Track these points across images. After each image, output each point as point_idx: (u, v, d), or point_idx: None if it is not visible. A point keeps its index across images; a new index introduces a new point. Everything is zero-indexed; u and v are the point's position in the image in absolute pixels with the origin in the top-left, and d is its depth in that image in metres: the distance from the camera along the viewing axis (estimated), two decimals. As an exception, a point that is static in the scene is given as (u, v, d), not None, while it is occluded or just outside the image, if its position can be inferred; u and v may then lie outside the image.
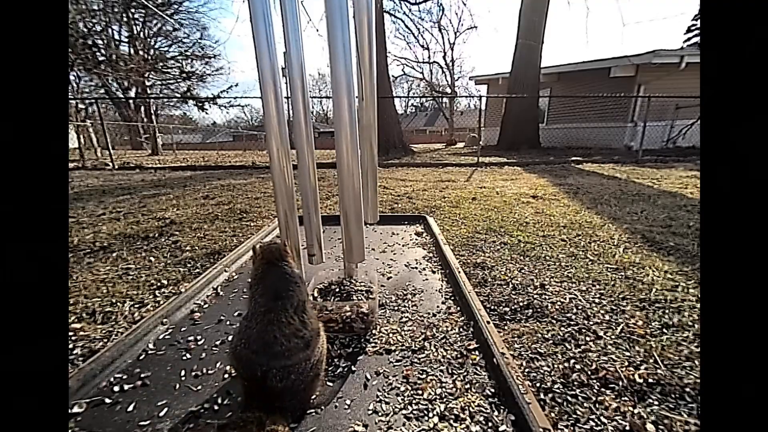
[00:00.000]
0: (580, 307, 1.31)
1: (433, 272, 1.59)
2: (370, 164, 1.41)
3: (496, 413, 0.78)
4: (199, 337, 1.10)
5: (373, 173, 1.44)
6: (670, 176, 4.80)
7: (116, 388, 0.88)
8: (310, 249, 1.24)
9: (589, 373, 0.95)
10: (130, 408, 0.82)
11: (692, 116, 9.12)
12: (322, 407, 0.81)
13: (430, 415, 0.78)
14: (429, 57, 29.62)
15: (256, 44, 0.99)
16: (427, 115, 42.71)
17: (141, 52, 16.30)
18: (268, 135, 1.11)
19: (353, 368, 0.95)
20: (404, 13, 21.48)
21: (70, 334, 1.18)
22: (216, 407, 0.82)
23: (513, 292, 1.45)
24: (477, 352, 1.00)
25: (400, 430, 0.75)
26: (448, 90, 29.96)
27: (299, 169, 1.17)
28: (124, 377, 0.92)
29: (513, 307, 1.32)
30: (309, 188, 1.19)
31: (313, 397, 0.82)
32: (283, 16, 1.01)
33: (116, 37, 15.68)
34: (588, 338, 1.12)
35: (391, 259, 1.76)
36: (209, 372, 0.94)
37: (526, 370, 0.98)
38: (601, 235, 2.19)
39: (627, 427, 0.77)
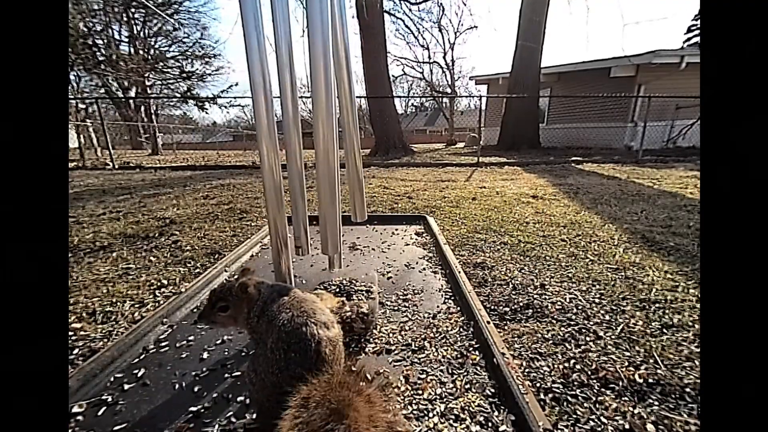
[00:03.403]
0: (580, 307, 1.31)
1: (433, 272, 1.59)
2: (354, 167, 1.50)
3: (496, 413, 0.78)
4: (199, 337, 1.10)
5: (358, 176, 1.52)
6: (670, 176, 4.80)
7: (116, 388, 0.88)
8: (297, 242, 1.27)
9: (589, 373, 0.95)
10: (130, 408, 0.82)
11: (692, 116, 9.13)
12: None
13: (430, 415, 0.78)
14: (429, 57, 29.61)
15: (247, 46, 1.01)
16: (427, 115, 42.68)
17: (141, 52, 16.30)
18: (258, 135, 1.14)
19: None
20: (404, 13, 21.48)
21: (70, 334, 1.18)
22: (216, 407, 0.82)
23: (513, 292, 1.45)
24: (477, 352, 1.00)
25: (400, 430, 0.75)
26: (448, 90, 29.93)
27: (288, 167, 1.21)
28: (124, 377, 0.93)
29: (513, 307, 1.32)
30: (297, 184, 1.24)
31: None
32: (274, 19, 1.03)
33: (116, 37, 15.69)
34: (588, 338, 1.12)
35: (392, 259, 1.76)
36: (209, 372, 0.94)
37: (526, 370, 0.98)
38: (601, 235, 2.19)
39: (627, 427, 0.77)
